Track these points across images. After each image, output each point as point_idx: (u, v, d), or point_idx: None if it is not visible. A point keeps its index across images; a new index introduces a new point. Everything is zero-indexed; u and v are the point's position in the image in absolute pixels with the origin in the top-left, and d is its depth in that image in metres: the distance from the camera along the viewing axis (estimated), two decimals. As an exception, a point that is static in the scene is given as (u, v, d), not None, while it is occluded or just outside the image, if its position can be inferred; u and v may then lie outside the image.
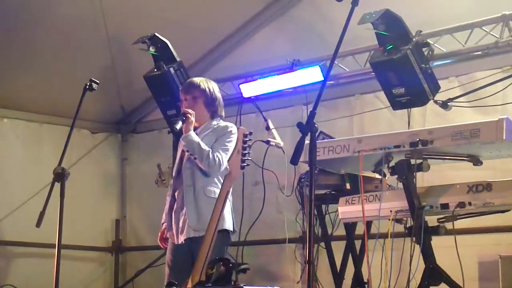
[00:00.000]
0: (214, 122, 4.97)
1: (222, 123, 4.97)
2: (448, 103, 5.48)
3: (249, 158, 4.66)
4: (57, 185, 4.50)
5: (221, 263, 4.30)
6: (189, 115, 4.80)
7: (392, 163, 4.60)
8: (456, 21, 5.66)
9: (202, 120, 4.94)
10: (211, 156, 4.76)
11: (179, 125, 4.80)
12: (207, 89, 4.95)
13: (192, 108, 4.88)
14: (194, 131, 4.88)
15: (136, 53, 6.69)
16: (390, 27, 5.33)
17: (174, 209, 4.92)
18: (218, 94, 5.02)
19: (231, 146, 4.76)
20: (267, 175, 6.33)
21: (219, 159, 4.75)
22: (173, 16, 6.78)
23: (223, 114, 5.04)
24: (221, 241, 4.78)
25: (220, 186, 4.59)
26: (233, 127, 4.91)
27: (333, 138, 5.31)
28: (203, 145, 4.77)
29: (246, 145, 4.58)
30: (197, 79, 5.04)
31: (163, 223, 5.04)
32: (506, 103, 5.59)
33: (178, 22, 6.84)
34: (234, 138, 4.76)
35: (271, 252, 6.95)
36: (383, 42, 5.42)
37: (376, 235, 4.63)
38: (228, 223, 4.83)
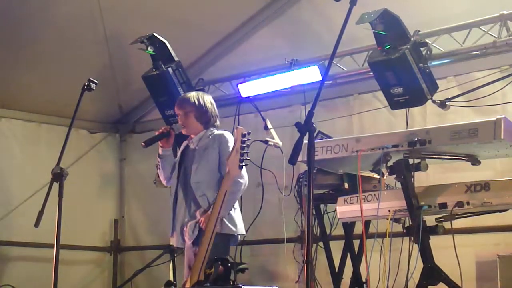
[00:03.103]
0: (209, 133, 5.17)
1: (216, 132, 5.15)
2: (446, 103, 5.48)
3: (248, 158, 4.69)
4: (56, 185, 4.50)
5: (220, 262, 4.31)
6: (170, 131, 5.13)
7: (390, 163, 4.60)
8: (454, 21, 5.67)
9: (196, 131, 5.19)
10: (240, 185, 4.96)
11: (150, 141, 5.15)
12: (197, 103, 5.18)
13: (185, 121, 5.17)
14: (189, 140, 5.19)
15: (134, 53, 6.68)
16: (388, 27, 5.33)
17: (179, 214, 5.09)
18: (209, 105, 5.24)
19: None
20: (266, 175, 6.33)
21: (241, 175, 4.94)
22: (172, 15, 6.78)
23: (217, 123, 5.25)
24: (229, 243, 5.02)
25: None
26: (226, 133, 5.15)
27: (332, 137, 5.31)
28: (224, 201, 4.83)
29: (244, 145, 4.61)
30: (189, 94, 5.31)
31: None
32: (505, 103, 5.59)
33: (177, 21, 6.83)
34: (232, 143, 4.98)
35: (270, 252, 6.96)
36: (381, 41, 5.42)
37: (375, 235, 4.63)
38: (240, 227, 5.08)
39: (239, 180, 4.96)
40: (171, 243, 7.27)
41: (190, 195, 5.04)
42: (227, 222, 4.94)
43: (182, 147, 5.23)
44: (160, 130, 5.15)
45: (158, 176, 7.14)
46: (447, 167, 5.42)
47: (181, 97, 5.41)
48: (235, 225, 5.00)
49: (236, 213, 5.04)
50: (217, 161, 5.01)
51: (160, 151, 5.18)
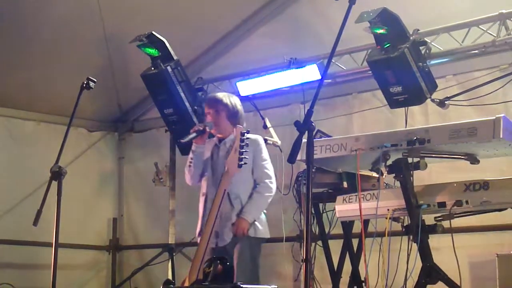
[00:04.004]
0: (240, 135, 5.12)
1: (251, 136, 5.06)
2: (446, 102, 5.48)
3: (247, 157, 4.69)
4: (54, 184, 4.49)
5: (218, 261, 4.31)
6: (205, 128, 5.15)
7: (389, 162, 4.60)
8: (454, 20, 5.67)
9: (226, 132, 5.22)
10: (267, 191, 5.08)
11: (187, 138, 5.13)
12: (229, 103, 5.23)
13: (216, 120, 5.19)
14: (220, 142, 5.20)
15: (133, 51, 6.67)
16: (388, 26, 5.33)
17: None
18: (240, 107, 5.29)
19: (266, 155, 5.13)
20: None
21: (269, 178, 5.09)
22: (171, 14, 6.77)
23: (244, 125, 5.24)
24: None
25: None
26: (260, 139, 5.22)
27: (331, 136, 5.31)
28: (255, 204, 5.02)
29: (243, 144, 4.61)
30: (220, 94, 5.36)
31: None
32: (506, 101, 5.59)
33: (176, 20, 6.83)
34: (265, 147, 5.16)
35: (269, 251, 6.92)
36: (381, 40, 5.42)
37: (374, 234, 4.62)
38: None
39: (270, 185, 5.07)
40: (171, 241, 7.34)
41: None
42: (260, 226, 5.07)
43: (210, 147, 5.24)
44: (196, 128, 5.18)
45: (157, 175, 7.20)
46: (451, 167, 5.41)
47: (212, 96, 5.44)
48: (266, 229, 5.14)
49: (264, 217, 5.14)
50: (250, 165, 5.04)
51: (193, 147, 5.21)
